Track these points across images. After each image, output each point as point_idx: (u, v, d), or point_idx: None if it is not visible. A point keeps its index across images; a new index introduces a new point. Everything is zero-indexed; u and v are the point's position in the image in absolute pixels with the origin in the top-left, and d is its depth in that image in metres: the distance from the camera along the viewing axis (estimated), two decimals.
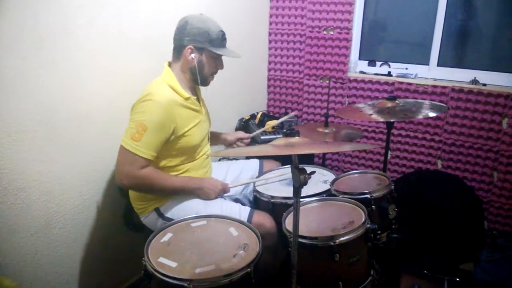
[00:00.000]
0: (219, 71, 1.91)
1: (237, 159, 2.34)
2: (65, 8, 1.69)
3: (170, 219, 1.80)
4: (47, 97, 1.67)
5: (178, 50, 1.82)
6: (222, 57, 1.88)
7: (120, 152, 1.70)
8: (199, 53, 1.80)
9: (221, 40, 1.82)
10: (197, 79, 1.83)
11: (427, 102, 2.30)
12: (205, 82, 1.90)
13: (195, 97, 1.90)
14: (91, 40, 1.82)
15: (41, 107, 1.66)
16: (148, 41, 2.11)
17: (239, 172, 2.20)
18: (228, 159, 2.51)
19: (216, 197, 1.88)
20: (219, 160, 2.53)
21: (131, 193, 1.89)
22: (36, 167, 1.69)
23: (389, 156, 2.94)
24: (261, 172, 2.21)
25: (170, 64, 1.87)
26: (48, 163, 1.73)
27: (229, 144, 2.29)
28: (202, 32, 1.77)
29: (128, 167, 1.67)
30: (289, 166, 1.26)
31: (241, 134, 2.34)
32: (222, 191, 1.91)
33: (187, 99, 1.81)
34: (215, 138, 2.20)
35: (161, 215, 1.84)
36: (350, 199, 1.78)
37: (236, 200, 2.07)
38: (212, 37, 1.78)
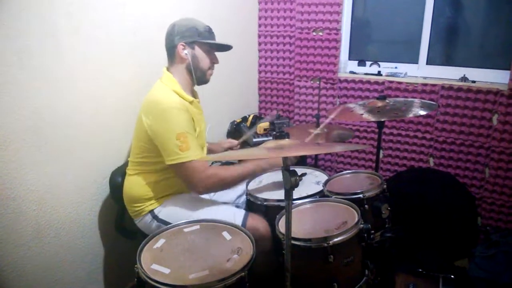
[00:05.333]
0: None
1: None
2: (52, 15, 1.67)
3: (164, 221, 1.79)
4: (34, 104, 1.65)
5: (171, 52, 1.85)
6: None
7: (181, 170, 1.72)
8: (191, 48, 1.83)
9: (209, 33, 1.87)
10: (194, 76, 1.85)
11: (417, 100, 2.31)
12: (204, 79, 1.92)
13: (197, 100, 1.93)
14: (78, 46, 1.81)
15: (28, 115, 1.64)
16: (135, 46, 2.10)
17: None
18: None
19: None
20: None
21: (127, 196, 1.88)
22: (25, 176, 1.67)
23: (381, 155, 2.95)
24: None
25: (168, 69, 1.88)
26: (37, 172, 1.71)
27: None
28: (190, 28, 1.82)
29: (197, 176, 1.71)
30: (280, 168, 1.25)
31: (229, 143, 2.32)
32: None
33: (191, 102, 1.85)
34: None
35: (155, 217, 1.83)
36: (343, 200, 1.78)
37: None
38: (200, 30, 1.83)
